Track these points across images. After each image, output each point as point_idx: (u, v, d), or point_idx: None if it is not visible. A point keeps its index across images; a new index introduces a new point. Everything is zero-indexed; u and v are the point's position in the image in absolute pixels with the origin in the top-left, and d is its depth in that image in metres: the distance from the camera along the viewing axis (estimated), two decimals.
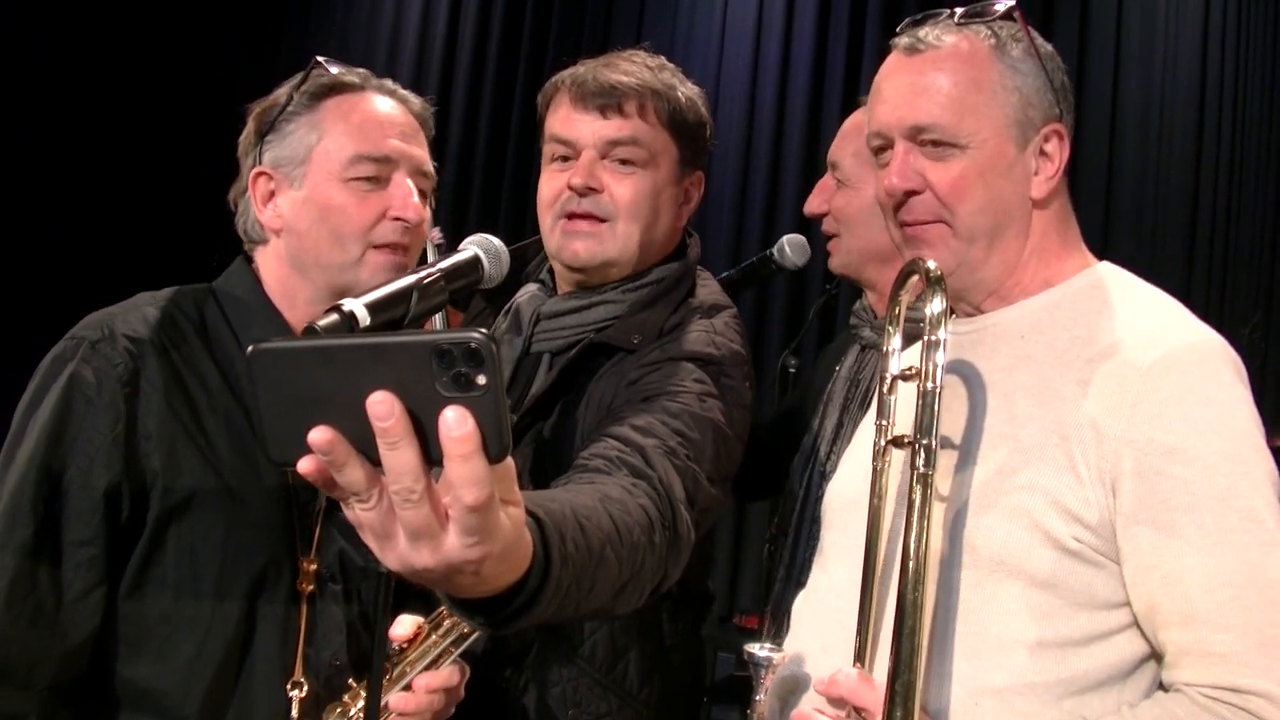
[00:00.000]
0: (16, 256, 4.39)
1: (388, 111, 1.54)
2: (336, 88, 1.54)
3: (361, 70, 1.58)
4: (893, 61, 1.43)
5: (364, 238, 1.50)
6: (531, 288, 1.82)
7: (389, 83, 1.59)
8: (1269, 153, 4.87)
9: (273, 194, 1.54)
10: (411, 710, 1.41)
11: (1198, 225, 4.90)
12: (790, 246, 2.21)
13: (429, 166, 1.57)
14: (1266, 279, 4.91)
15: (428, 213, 1.58)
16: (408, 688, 1.41)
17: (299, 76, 1.55)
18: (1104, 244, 4.69)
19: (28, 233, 4.48)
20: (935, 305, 1.26)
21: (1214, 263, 4.90)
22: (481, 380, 0.79)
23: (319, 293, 1.52)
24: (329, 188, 1.50)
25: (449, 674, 1.43)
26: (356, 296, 1.24)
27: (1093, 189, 4.76)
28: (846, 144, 1.98)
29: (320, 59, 1.56)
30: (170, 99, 4.88)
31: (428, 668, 1.42)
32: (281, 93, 1.56)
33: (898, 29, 1.45)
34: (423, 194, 1.55)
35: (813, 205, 2.05)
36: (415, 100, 1.60)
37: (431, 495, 0.82)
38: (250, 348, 0.82)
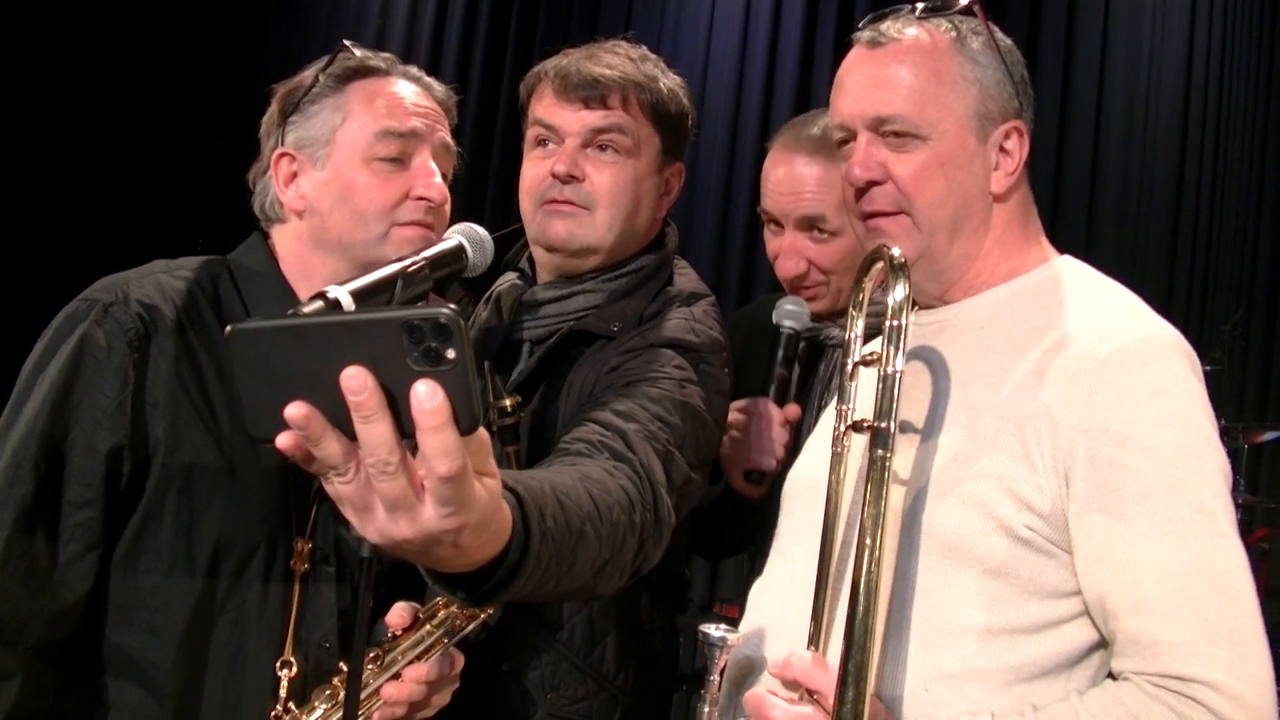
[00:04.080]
0: (15, 251, 4.37)
1: (412, 95, 1.55)
2: (362, 71, 1.55)
3: (387, 55, 1.59)
4: (855, 55, 1.46)
5: (387, 217, 1.50)
6: (511, 276, 1.83)
7: (414, 69, 1.60)
8: (1252, 151, 4.91)
9: (295, 175, 1.54)
10: (402, 699, 1.41)
11: (1180, 223, 4.93)
12: (792, 309, 1.96)
13: (452, 147, 1.59)
14: (1249, 276, 4.95)
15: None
16: (397, 676, 1.42)
17: (325, 59, 1.56)
18: (1088, 241, 4.72)
19: (24, 226, 4.47)
20: (898, 292, 1.28)
21: (1196, 260, 4.94)
22: (451, 354, 0.82)
23: (342, 271, 1.51)
24: (352, 168, 1.50)
25: (439, 665, 1.44)
26: (341, 284, 1.26)
27: (1078, 187, 4.79)
28: (830, 198, 1.88)
29: (347, 42, 1.57)
30: (156, 93, 4.86)
31: (419, 657, 1.43)
32: (307, 74, 1.56)
33: (860, 24, 1.48)
34: (444, 175, 1.56)
35: (797, 267, 1.92)
36: (439, 86, 1.61)
37: (407, 467, 0.85)
38: (229, 328, 0.86)
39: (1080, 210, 4.80)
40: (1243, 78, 4.89)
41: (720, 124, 5.00)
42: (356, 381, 0.81)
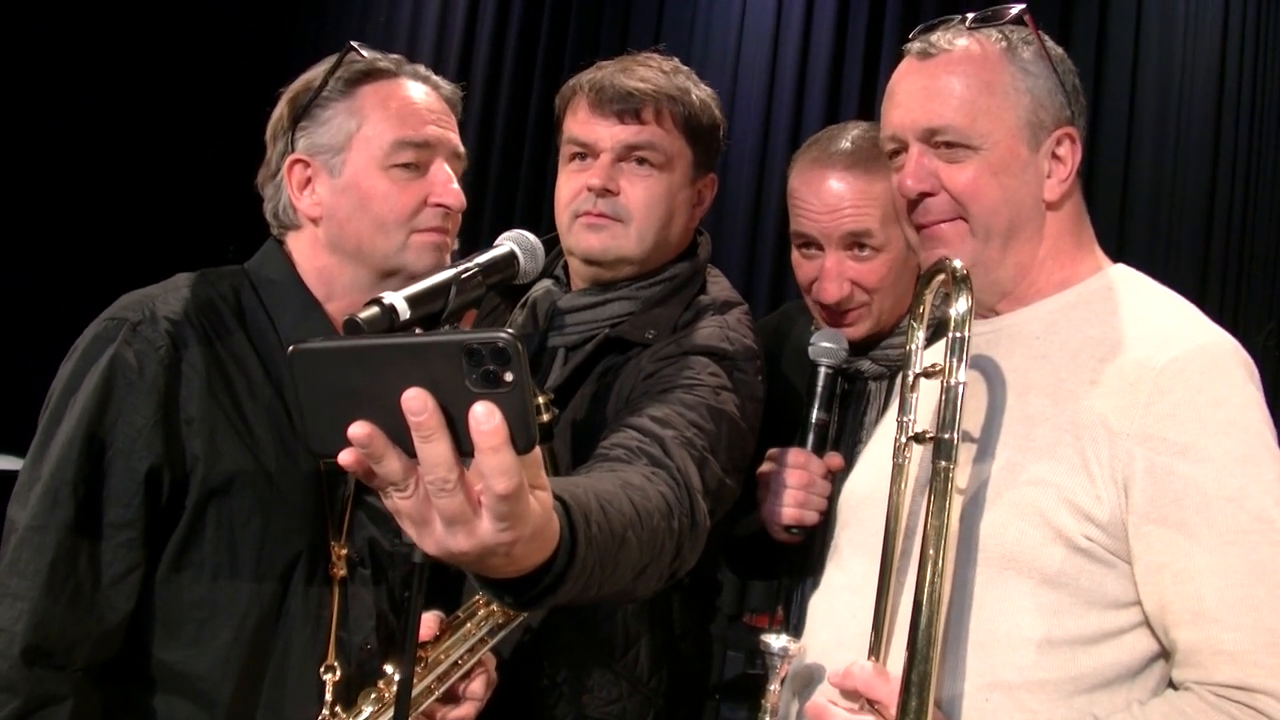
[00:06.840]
0: (15, 251, 4.40)
1: (423, 97, 1.56)
2: (372, 74, 1.54)
3: (395, 56, 1.59)
4: (906, 66, 1.46)
5: (407, 224, 1.51)
6: (546, 283, 1.85)
7: (421, 68, 1.60)
8: None
9: (309, 180, 1.54)
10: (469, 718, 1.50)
11: (1213, 231, 4.89)
12: (830, 346, 1.83)
13: (462, 150, 1.59)
14: None
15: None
16: (443, 675, 1.46)
17: (333, 61, 1.55)
18: (1119, 249, 4.65)
19: (24, 226, 4.49)
20: (961, 304, 1.28)
21: (1229, 269, 4.89)
22: (509, 377, 0.84)
23: (362, 277, 1.53)
24: (370, 176, 1.51)
25: (488, 678, 1.51)
26: (397, 289, 1.27)
27: (1108, 194, 4.75)
28: (874, 211, 1.79)
29: (354, 44, 1.56)
30: (157, 93, 4.87)
31: (463, 656, 1.47)
32: (315, 76, 1.56)
33: (910, 35, 1.48)
34: (457, 177, 1.57)
35: (841, 290, 1.82)
36: (446, 85, 1.62)
37: (465, 484, 0.87)
38: (291, 347, 0.88)
39: (1111, 220, 4.75)
40: (1276, 86, 4.84)
41: (750, 132, 4.98)
42: (417, 403, 0.84)
